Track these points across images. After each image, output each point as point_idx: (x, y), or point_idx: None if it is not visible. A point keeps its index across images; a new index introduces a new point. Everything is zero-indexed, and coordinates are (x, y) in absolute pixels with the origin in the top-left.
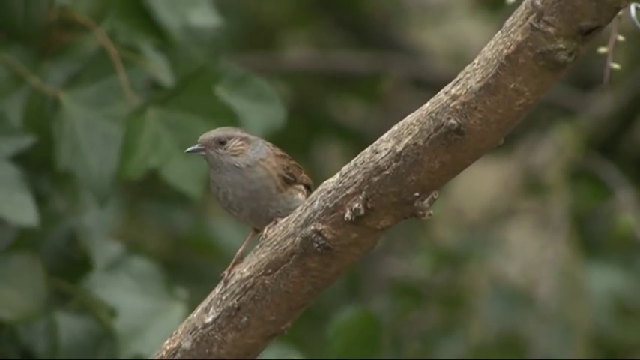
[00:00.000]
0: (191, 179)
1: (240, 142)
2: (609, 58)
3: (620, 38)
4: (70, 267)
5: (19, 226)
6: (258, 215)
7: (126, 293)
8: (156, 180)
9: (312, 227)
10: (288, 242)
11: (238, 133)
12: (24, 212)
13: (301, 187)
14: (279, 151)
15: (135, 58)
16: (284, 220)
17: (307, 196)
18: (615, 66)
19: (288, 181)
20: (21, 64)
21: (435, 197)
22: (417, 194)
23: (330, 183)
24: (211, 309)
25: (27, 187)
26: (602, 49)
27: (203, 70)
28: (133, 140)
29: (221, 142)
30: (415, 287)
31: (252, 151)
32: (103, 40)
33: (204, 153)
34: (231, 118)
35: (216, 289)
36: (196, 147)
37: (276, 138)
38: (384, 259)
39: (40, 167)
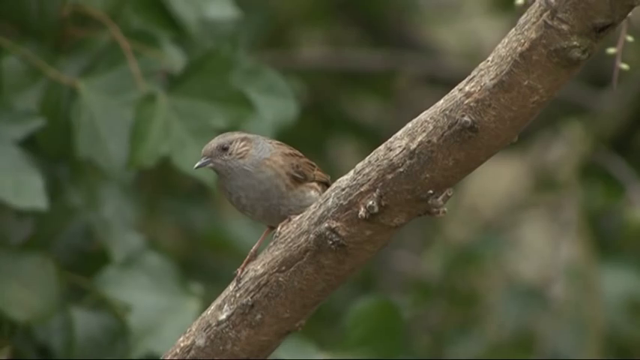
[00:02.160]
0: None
1: (243, 143)
2: (618, 58)
3: (630, 39)
4: (87, 261)
5: (28, 210)
6: (271, 214)
7: (140, 290)
8: (172, 178)
9: (326, 224)
10: (302, 239)
11: (237, 135)
12: (33, 196)
13: (314, 184)
14: (287, 149)
15: (147, 49)
16: (298, 217)
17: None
18: (624, 66)
19: (298, 180)
20: (37, 57)
21: (449, 194)
22: (430, 191)
23: (344, 180)
24: (225, 306)
25: (36, 170)
26: (612, 50)
27: (214, 54)
28: (143, 127)
29: (224, 149)
30: (429, 287)
31: (255, 149)
32: (115, 34)
33: (211, 164)
34: (244, 103)
35: (230, 287)
36: (203, 161)
37: (290, 135)
38: (398, 258)
39: (56, 161)
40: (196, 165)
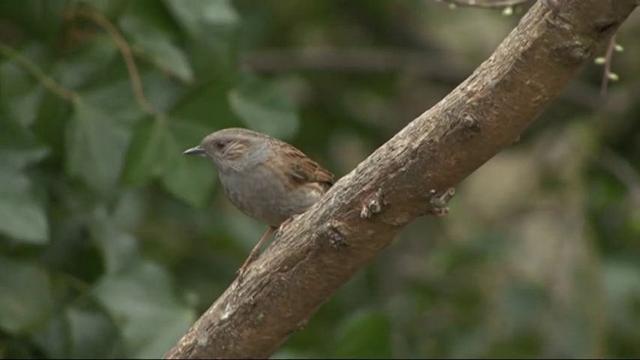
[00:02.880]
0: (194, 189)
1: (239, 146)
2: (607, 69)
3: (619, 48)
4: (83, 262)
5: (27, 241)
6: (270, 214)
7: (135, 301)
8: None
9: (329, 224)
10: (305, 239)
11: (239, 135)
12: (33, 227)
13: (315, 184)
14: (289, 150)
15: (151, 59)
16: (300, 216)
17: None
18: (613, 76)
19: (299, 180)
20: (35, 64)
21: (451, 194)
22: (433, 191)
23: (346, 179)
24: (227, 306)
25: (38, 199)
26: (600, 60)
27: (217, 80)
28: (138, 147)
29: (219, 145)
30: (432, 286)
31: (250, 154)
32: (119, 41)
33: (203, 155)
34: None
35: (233, 286)
36: (196, 148)
37: (293, 135)
38: (402, 258)
39: (55, 165)
40: (188, 150)
